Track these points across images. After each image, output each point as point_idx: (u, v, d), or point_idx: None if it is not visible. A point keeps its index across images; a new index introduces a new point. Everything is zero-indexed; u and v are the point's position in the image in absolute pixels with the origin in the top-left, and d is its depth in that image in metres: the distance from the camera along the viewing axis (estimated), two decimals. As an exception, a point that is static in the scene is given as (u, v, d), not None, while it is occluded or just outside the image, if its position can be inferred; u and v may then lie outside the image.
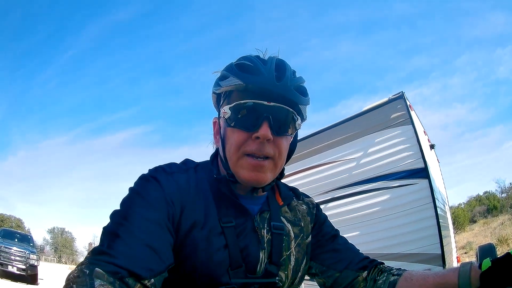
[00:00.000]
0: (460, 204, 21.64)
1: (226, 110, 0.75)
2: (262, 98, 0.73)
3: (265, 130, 0.72)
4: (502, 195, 20.80)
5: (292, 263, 0.83)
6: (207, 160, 0.87)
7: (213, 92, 0.83)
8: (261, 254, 0.78)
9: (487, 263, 0.66)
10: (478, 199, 21.34)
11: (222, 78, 0.78)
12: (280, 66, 0.76)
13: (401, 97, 4.44)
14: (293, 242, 0.85)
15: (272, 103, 0.73)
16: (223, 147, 0.78)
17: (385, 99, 4.58)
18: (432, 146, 5.10)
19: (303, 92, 0.78)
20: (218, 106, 0.83)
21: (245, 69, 0.74)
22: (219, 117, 0.81)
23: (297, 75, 0.79)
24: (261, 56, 0.80)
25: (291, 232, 0.86)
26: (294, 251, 0.84)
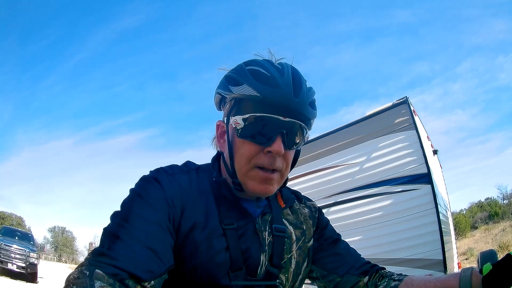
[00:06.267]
0: (461, 210, 21.63)
1: (238, 120, 0.72)
2: (278, 113, 0.70)
3: (278, 146, 0.71)
4: (504, 202, 20.75)
5: (293, 266, 0.83)
6: (208, 163, 0.87)
7: (219, 93, 0.80)
8: (262, 257, 0.78)
9: (488, 267, 0.66)
10: (479, 205, 21.29)
11: (234, 82, 0.74)
12: (296, 79, 0.73)
13: (405, 102, 4.45)
14: (294, 245, 0.84)
15: (287, 119, 0.71)
16: (230, 155, 0.76)
17: (389, 104, 4.58)
18: (435, 152, 5.11)
19: (315, 106, 0.77)
20: (219, 106, 0.82)
21: (261, 79, 0.71)
22: (227, 123, 0.77)
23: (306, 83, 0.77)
24: (271, 59, 0.78)
25: (293, 234, 0.85)
26: (295, 254, 0.84)
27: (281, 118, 0.70)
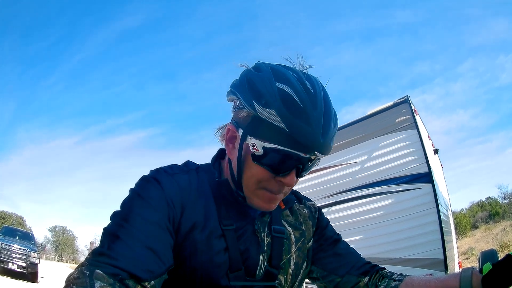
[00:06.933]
0: (462, 210, 21.66)
1: (258, 147, 0.68)
2: (300, 149, 0.67)
3: (291, 180, 0.70)
4: (505, 201, 20.78)
5: (292, 266, 0.83)
6: (209, 163, 0.86)
7: (236, 95, 0.74)
8: (261, 258, 0.78)
9: (488, 267, 0.66)
10: (480, 205, 21.32)
11: (260, 100, 0.67)
12: (327, 112, 0.69)
13: (406, 101, 4.45)
14: (293, 246, 0.85)
15: (307, 155, 0.69)
16: (239, 170, 0.74)
17: (390, 103, 4.59)
18: (436, 151, 5.11)
19: (333, 139, 0.73)
20: (232, 105, 0.78)
21: (292, 109, 0.65)
22: (242, 139, 0.72)
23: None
24: (299, 67, 0.74)
25: (292, 236, 0.85)
26: (294, 255, 0.84)
27: (301, 154, 0.68)
